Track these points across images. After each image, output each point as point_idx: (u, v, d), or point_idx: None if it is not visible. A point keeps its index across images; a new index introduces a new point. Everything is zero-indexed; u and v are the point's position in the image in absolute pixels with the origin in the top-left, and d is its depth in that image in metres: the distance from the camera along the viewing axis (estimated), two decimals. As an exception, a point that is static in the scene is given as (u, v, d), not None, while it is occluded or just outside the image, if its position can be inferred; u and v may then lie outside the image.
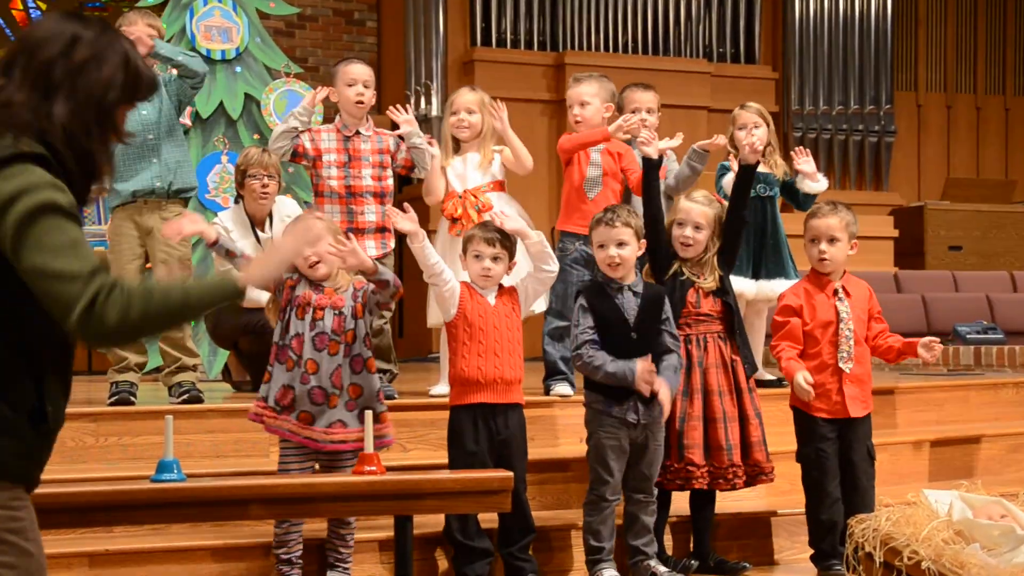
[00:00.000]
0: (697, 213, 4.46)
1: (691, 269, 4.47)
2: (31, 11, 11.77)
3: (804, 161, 5.51)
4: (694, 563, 4.41)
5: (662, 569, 4.24)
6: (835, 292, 4.50)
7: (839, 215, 4.51)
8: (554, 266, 4.34)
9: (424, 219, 10.05)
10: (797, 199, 5.64)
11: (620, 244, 4.25)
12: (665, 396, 4.19)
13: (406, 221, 4.17)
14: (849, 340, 4.44)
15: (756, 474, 4.44)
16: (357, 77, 5.22)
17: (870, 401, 4.54)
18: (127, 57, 2.27)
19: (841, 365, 4.44)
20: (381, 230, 5.22)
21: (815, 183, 5.55)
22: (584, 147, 5.26)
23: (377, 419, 3.97)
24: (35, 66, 2.20)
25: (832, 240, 4.48)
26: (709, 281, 4.46)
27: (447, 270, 4.23)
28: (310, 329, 3.99)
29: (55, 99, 2.19)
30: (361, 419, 3.94)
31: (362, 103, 5.21)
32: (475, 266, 4.24)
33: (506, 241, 4.23)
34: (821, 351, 4.47)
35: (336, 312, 4.02)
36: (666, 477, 4.35)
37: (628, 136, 5.50)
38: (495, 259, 4.21)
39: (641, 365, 4.14)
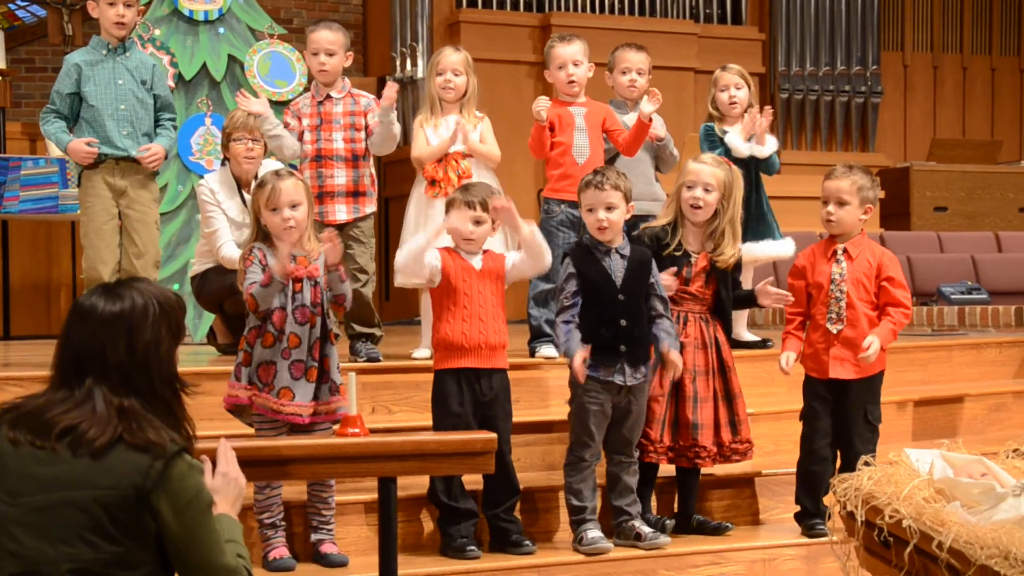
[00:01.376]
0: (707, 174, 4.45)
1: (697, 241, 4.44)
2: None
3: (759, 123, 5.45)
4: (670, 523, 4.44)
5: (646, 529, 4.27)
6: (834, 253, 4.48)
7: (851, 177, 4.45)
8: (547, 259, 4.27)
9: (406, 179, 10.04)
10: (758, 164, 5.60)
11: (609, 207, 4.24)
12: (676, 357, 4.22)
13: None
14: (840, 302, 4.43)
15: (746, 451, 4.47)
16: (319, 45, 5.14)
17: (863, 367, 4.45)
18: (158, 317, 2.63)
19: (828, 326, 4.45)
20: (353, 194, 5.16)
21: (760, 145, 5.50)
22: (542, 139, 5.22)
23: (336, 391, 3.97)
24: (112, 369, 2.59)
25: (841, 203, 4.45)
26: (728, 255, 4.43)
27: (430, 252, 4.16)
28: (292, 302, 3.95)
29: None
30: (331, 391, 3.96)
31: (324, 71, 5.14)
32: (460, 228, 4.21)
33: (487, 204, 4.21)
34: (816, 311, 4.49)
35: (312, 283, 4.00)
36: None
37: (620, 98, 5.50)
38: (477, 222, 4.19)
39: (578, 360, 4.13)
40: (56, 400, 2.57)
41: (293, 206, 3.94)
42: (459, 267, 4.19)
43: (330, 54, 5.14)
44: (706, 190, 4.42)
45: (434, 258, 4.16)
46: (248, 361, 3.96)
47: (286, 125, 5.14)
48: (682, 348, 4.39)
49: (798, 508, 4.55)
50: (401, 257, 4.26)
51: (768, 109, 5.52)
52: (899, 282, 4.48)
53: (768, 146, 5.53)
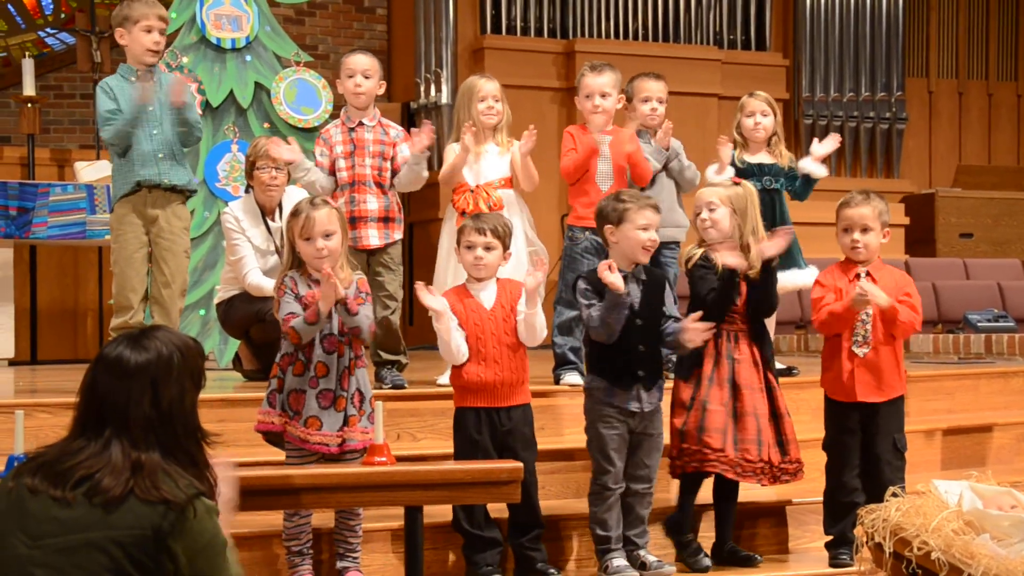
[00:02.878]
0: (708, 194, 4.47)
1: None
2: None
3: (822, 146, 5.53)
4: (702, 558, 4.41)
5: (651, 559, 4.27)
6: (857, 276, 4.47)
7: (872, 204, 4.47)
8: (538, 339, 4.21)
9: (431, 205, 10.05)
10: (795, 186, 5.63)
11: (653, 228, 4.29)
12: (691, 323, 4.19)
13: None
14: (866, 324, 4.41)
15: (795, 471, 4.43)
16: (355, 68, 5.22)
17: (891, 390, 4.46)
18: (182, 369, 2.68)
19: (855, 349, 4.43)
20: (384, 219, 5.20)
21: (818, 168, 5.56)
22: (585, 164, 5.27)
23: (349, 423, 3.97)
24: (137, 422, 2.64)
25: (865, 229, 4.46)
26: (757, 267, 4.40)
27: (463, 346, 4.18)
28: (320, 331, 3.97)
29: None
30: (349, 421, 3.95)
31: (360, 94, 5.21)
32: (467, 256, 4.23)
33: (499, 231, 4.22)
34: (842, 335, 4.46)
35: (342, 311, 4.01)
36: (683, 459, 4.35)
37: (638, 127, 5.52)
38: (487, 248, 4.20)
39: (601, 269, 4.12)
40: (73, 449, 2.62)
41: (327, 235, 3.95)
42: (469, 309, 4.20)
43: (366, 77, 5.22)
44: (710, 210, 4.45)
45: (460, 341, 4.17)
46: (281, 387, 3.97)
47: (323, 164, 5.22)
48: (737, 363, 4.37)
49: (829, 537, 4.51)
50: (443, 352, 4.24)
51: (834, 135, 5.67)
52: (915, 305, 4.49)
53: (822, 169, 5.63)
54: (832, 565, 4.43)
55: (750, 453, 4.33)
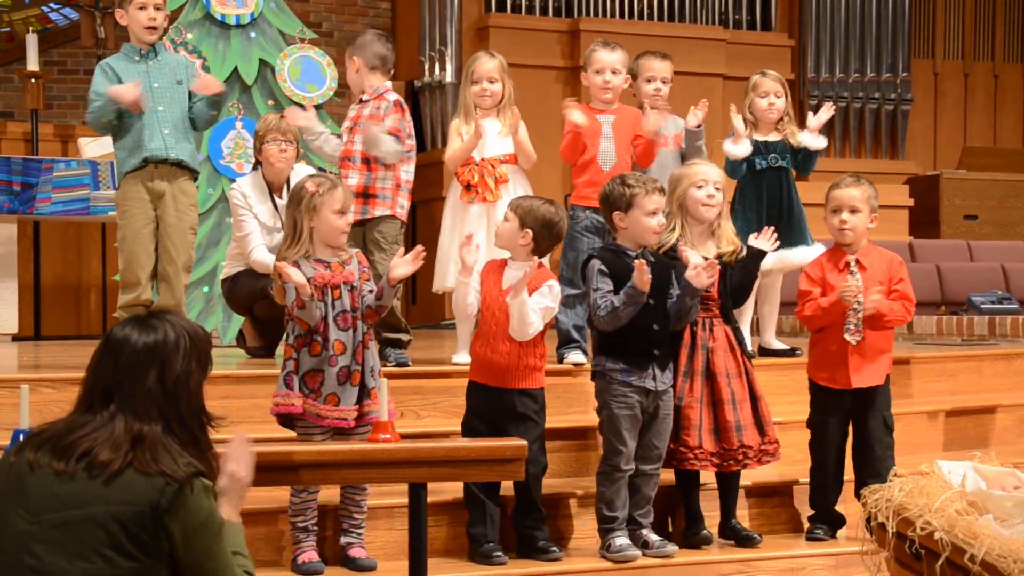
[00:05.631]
0: (716, 173, 4.52)
1: (702, 245, 4.45)
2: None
3: (818, 117, 5.52)
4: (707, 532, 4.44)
5: (654, 538, 4.30)
6: (847, 265, 4.49)
7: (861, 187, 4.53)
8: (528, 332, 4.16)
9: (433, 183, 10.05)
10: (796, 160, 5.62)
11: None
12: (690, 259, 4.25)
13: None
14: (858, 313, 4.44)
15: (774, 451, 4.47)
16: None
17: (882, 373, 4.53)
18: (189, 350, 2.71)
19: (847, 337, 4.46)
20: (363, 195, 5.12)
21: (815, 139, 5.52)
22: (576, 144, 5.24)
23: (369, 395, 3.99)
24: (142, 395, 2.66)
25: (853, 211, 4.50)
26: (729, 251, 4.46)
27: (475, 306, 4.25)
28: (332, 309, 3.97)
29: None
30: (367, 394, 3.98)
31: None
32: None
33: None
34: (832, 323, 4.48)
35: (349, 287, 4.02)
36: (673, 459, 4.39)
37: (644, 105, 5.49)
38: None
39: (635, 272, 4.13)
40: (78, 423, 2.64)
41: (346, 211, 4.04)
42: (490, 283, 4.22)
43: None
44: (717, 188, 4.47)
45: (474, 299, 4.24)
46: (296, 368, 3.97)
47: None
48: (712, 352, 4.40)
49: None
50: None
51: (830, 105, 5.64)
52: (906, 294, 4.52)
53: (821, 140, 5.60)
54: (808, 540, 4.53)
55: (729, 442, 4.35)
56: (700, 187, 4.48)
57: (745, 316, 5.54)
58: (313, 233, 4.01)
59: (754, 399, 4.47)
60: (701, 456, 4.36)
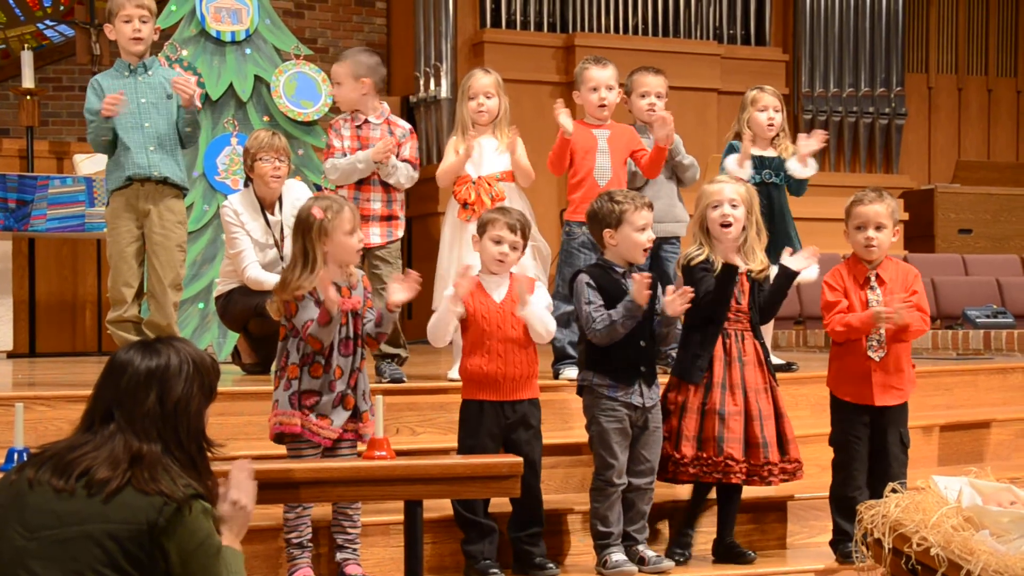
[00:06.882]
0: (730, 191, 4.43)
1: (729, 258, 4.38)
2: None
3: (807, 144, 5.43)
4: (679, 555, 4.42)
5: (650, 554, 4.28)
6: (867, 280, 4.47)
7: (885, 202, 4.45)
8: (546, 336, 4.21)
9: (428, 199, 10.05)
10: (789, 182, 5.59)
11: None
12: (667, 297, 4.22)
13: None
14: (879, 329, 4.40)
15: (795, 470, 4.42)
16: (334, 76, 5.30)
17: (905, 391, 4.47)
18: (191, 375, 2.74)
19: (870, 353, 4.42)
20: (387, 218, 5.21)
21: (803, 167, 5.49)
22: (564, 153, 5.24)
23: (361, 418, 3.99)
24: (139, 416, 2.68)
25: (879, 227, 4.42)
26: (757, 263, 4.43)
27: (449, 335, 4.26)
28: (338, 335, 3.97)
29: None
30: (359, 417, 3.99)
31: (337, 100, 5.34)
32: (492, 249, 4.21)
33: (524, 232, 4.24)
34: (857, 338, 4.43)
35: (354, 315, 4.02)
36: (703, 469, 4.34)
37: (639, 121, 5.50)
38: (513, 247, 4.21)
39: (633, 284, 4.12)
40: (79, 443, 2.66)
41: (356, 229, 4.03)
42: (478, 301, 4.20)
43: (337, 84, 5.28)
44: (732, 206, 4.42)
45: (450, 330, 4.24)
46: (299, 388, 3.96)
47: (330, 146, 5.24)
48: (743, 366, 4.38)
49: (831, 535, 4.51)
50: (430, 329, 4.26)
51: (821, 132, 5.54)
52: (922, 306, 4.48)
53: (811, 168, 5.53)
54: (840, 562, 4.43)
55: (756, 457, 4.34)
56: (715, 207, 4.44)
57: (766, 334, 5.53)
58: (327, 257, 4.00)
59: (778, 416, 4.44)
60: (743, 471, 4.31)
